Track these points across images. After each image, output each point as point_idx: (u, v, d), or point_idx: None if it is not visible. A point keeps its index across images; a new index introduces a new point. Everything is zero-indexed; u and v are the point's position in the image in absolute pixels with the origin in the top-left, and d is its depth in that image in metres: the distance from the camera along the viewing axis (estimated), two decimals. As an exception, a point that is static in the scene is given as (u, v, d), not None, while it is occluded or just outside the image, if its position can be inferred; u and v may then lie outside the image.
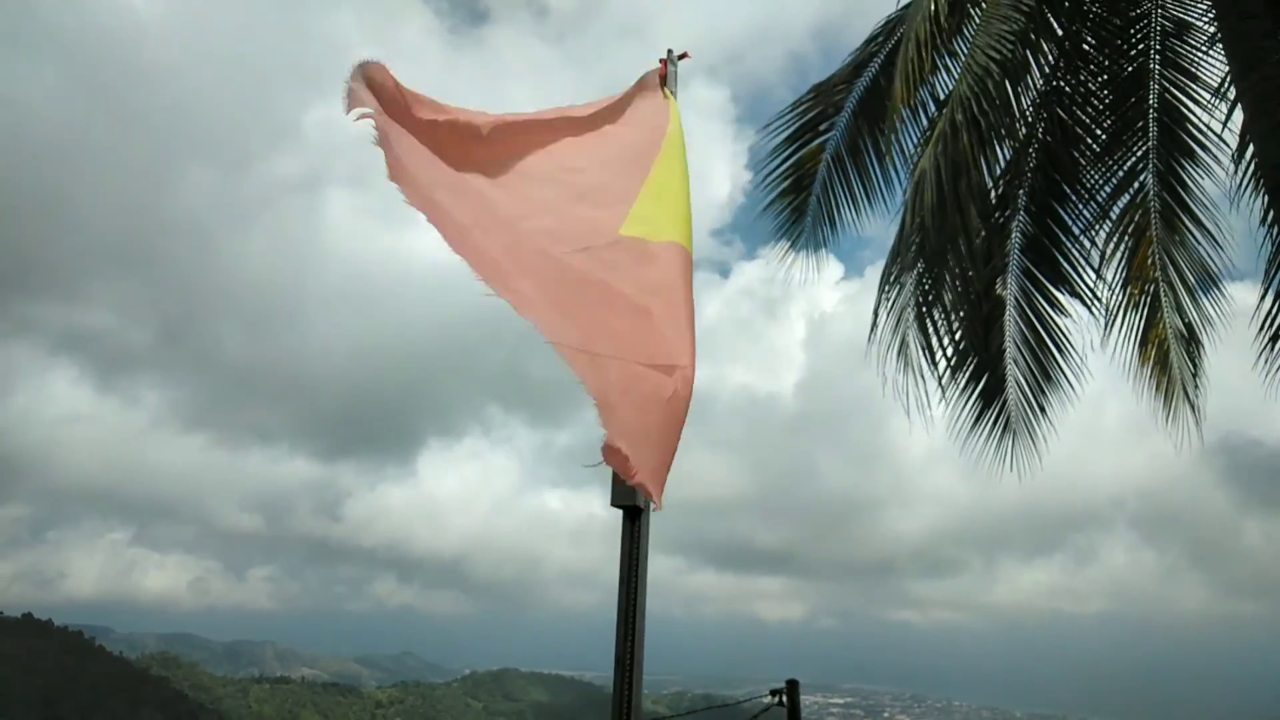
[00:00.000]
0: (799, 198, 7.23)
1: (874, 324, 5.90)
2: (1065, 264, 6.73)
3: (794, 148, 7.10)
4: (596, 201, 2.54)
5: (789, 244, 7.39)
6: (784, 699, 8.91)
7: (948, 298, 6.05)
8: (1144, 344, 6.79)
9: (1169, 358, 6.77)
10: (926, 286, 6.03)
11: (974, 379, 6.57)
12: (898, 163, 6.57)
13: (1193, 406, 6.65)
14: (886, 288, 5.87)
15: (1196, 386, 6.68)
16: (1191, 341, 6.70)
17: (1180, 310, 6.67)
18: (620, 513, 2.25)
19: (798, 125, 7.05)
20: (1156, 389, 6.78)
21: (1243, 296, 6.55)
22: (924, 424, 5.98)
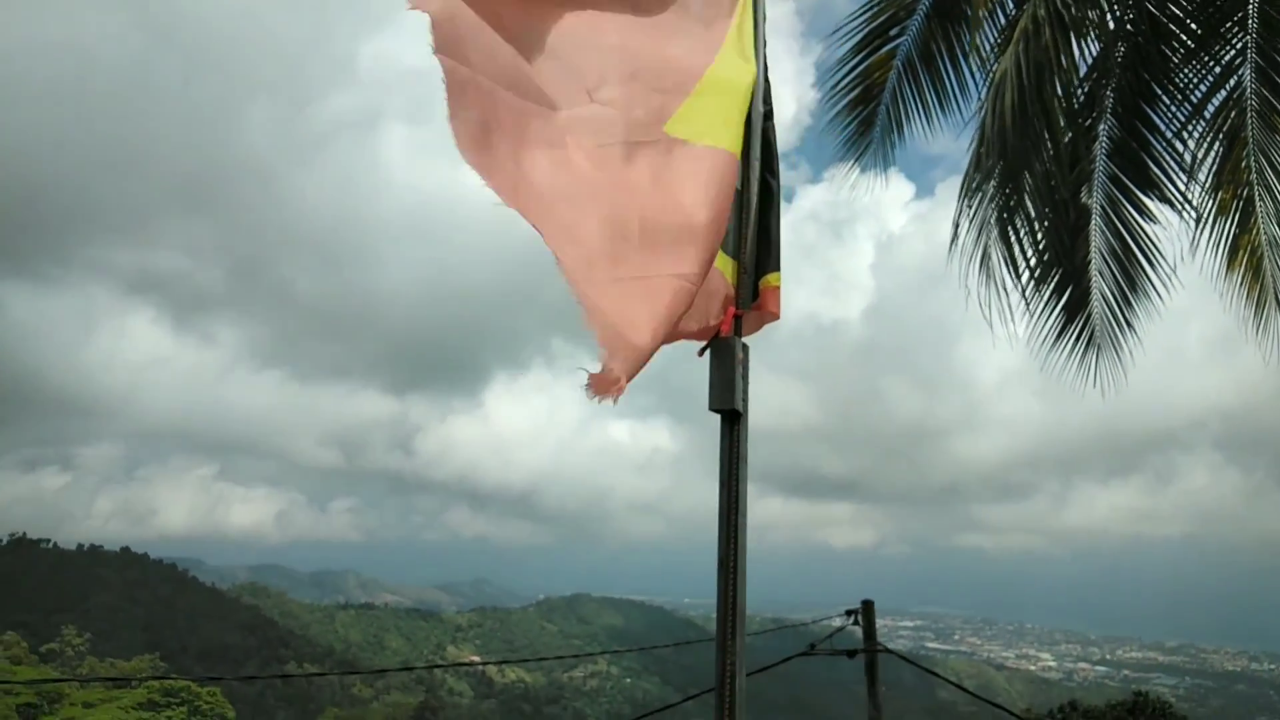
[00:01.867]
0: (867, 109, 6.94)
1: (954, 236, 5.67)
2: (1155, 169, 6.36)
3: (862, 56, 6.78)
4: (649, 85, 2.35)
5: (855, 163, 7.13)
6: (859, 619, 9.00)
7: (1030, 207, 5.78)
8: (1234, 252, 6.43)
9: (1261, 265, 6.40)
10: (1008, 195, 5.75)
11: (1057, 292, 6.32)
12: (975, 66, 6.23)
13: (1283, 315, 6.31)
14: (966, 198, 5.63)
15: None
16: (1286, 250, 6.32)
17: (1276, 216, 6.27)
18: (719, 416, 2.28)
19: (866, 31, 6.72)
20: (1247, 298, 6.44)
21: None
22: (1006, 340, 5.78)
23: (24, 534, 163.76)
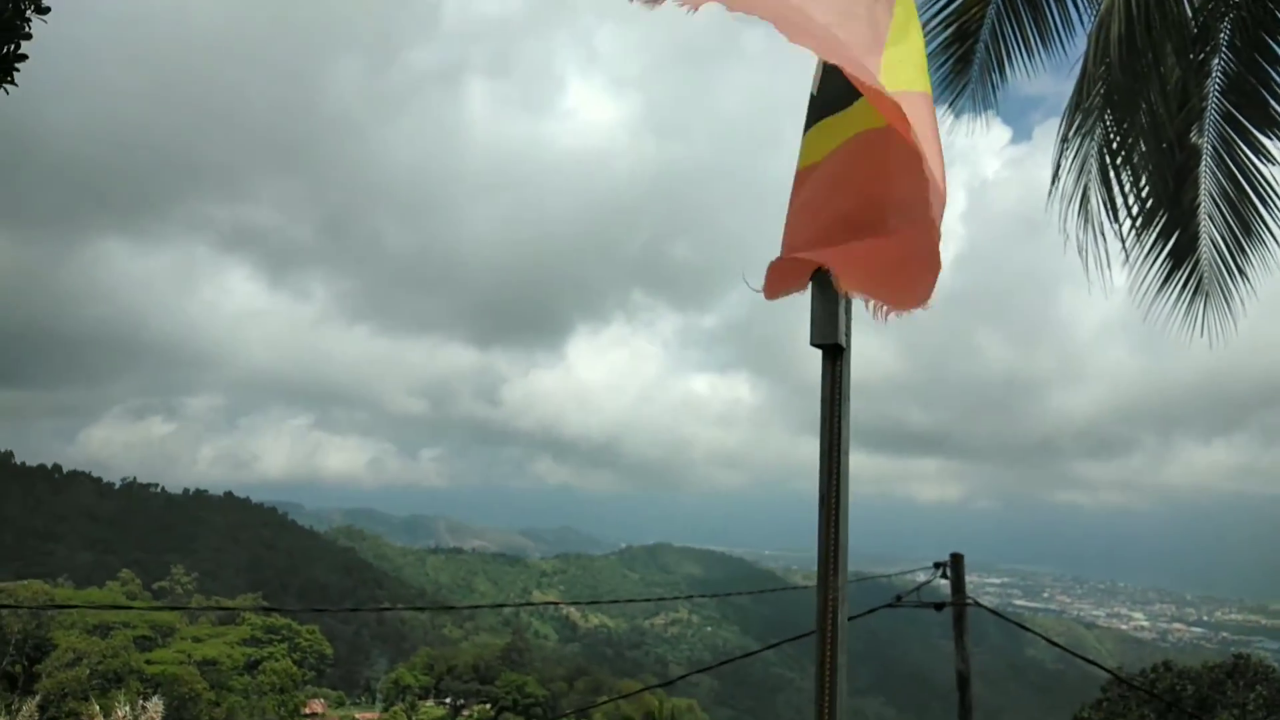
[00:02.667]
0: (963, 48, 6.65)
1: (1054, 178, 5.43)
2: (1275, 105, 5.95)
3: (957, -10, 6.49)
4: (853, 34, 2.18)
5: (950, 106, 6.87)
6: (947, 572, 8.92)
7: (1136, 148, 5.49)
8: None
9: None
10: (1111, 136, 5.47)
11: (1163, 236, 6.00)
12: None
13: None
14: (1067, 139, 5.38)
15: None
16: None
17: None
18: (820, 352, 2.23)
19: (963, -37, 6.42)
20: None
21: None
22: (1104, 288, 5.55)
23: (134, 479, 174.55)
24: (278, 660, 53.53)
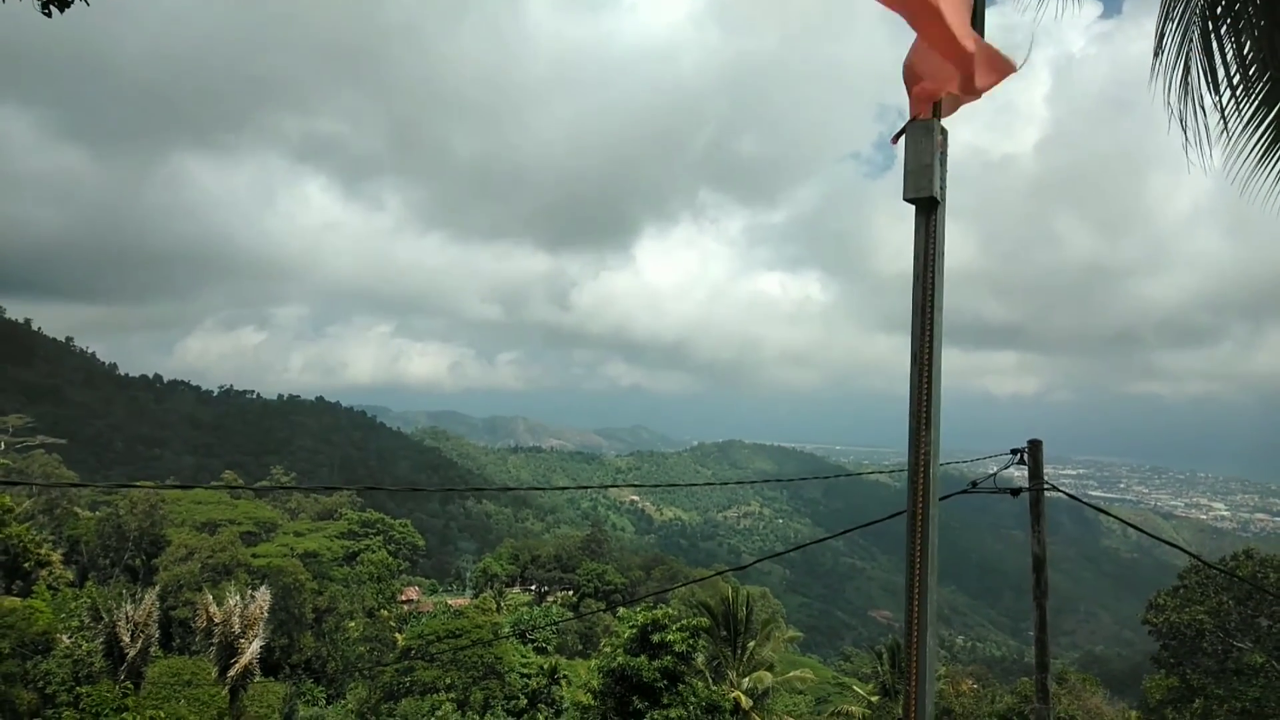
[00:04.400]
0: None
1: (1157, 49, 5.12)
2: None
3: None
4: None
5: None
6: (1024, 458, 8.93)
7: (1246, 7, 5.11)
8: None
9: None
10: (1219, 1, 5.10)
11: (1265, 105, 5.62)
12: None
13: None
14: (1170, 4, 5.04)
15: None
16: None
17: None
18: (913, 207, 2.24)
19: None
20: None
21: None
22: (1203, 167, 5.26)
23: (231, 386, 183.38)
24: (374, 552, 56.48)
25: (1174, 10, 5.01)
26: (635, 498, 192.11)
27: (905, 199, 2.16)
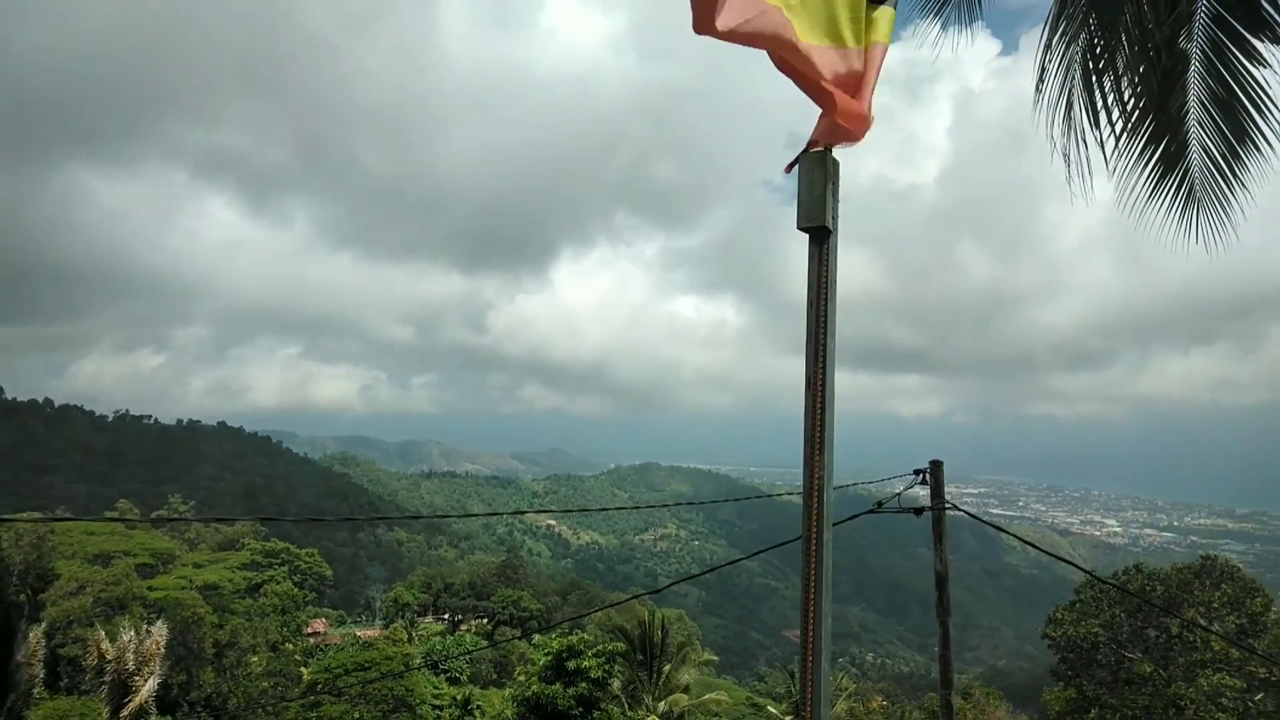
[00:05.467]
0: (948, -46, 6.49)
1: (1038, 85, 5.39)
2: (1266, 6, 5.86)
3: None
4: None
5: (936, 17, 6.71)
6: (927, 478, 9.18)
7: (1120, 53, 5.43)
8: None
9: (1382, 110, 5.95)
10: (1097, 40, 5.41)
11: (1152, 143, 5.98)
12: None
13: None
14: (1052, 44, 5.33)
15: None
16: None
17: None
18: (807, 236, 2.27)
19: None
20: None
21: None
22: (1084, 197, 5.55)
23: (127, 411, 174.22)
24: (279, 583, 54.44)
25: (1055, 48, 5.29)
26: (552, 522, 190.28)
27: (799, 228, 2.20)
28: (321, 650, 47.21)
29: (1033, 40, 5.69)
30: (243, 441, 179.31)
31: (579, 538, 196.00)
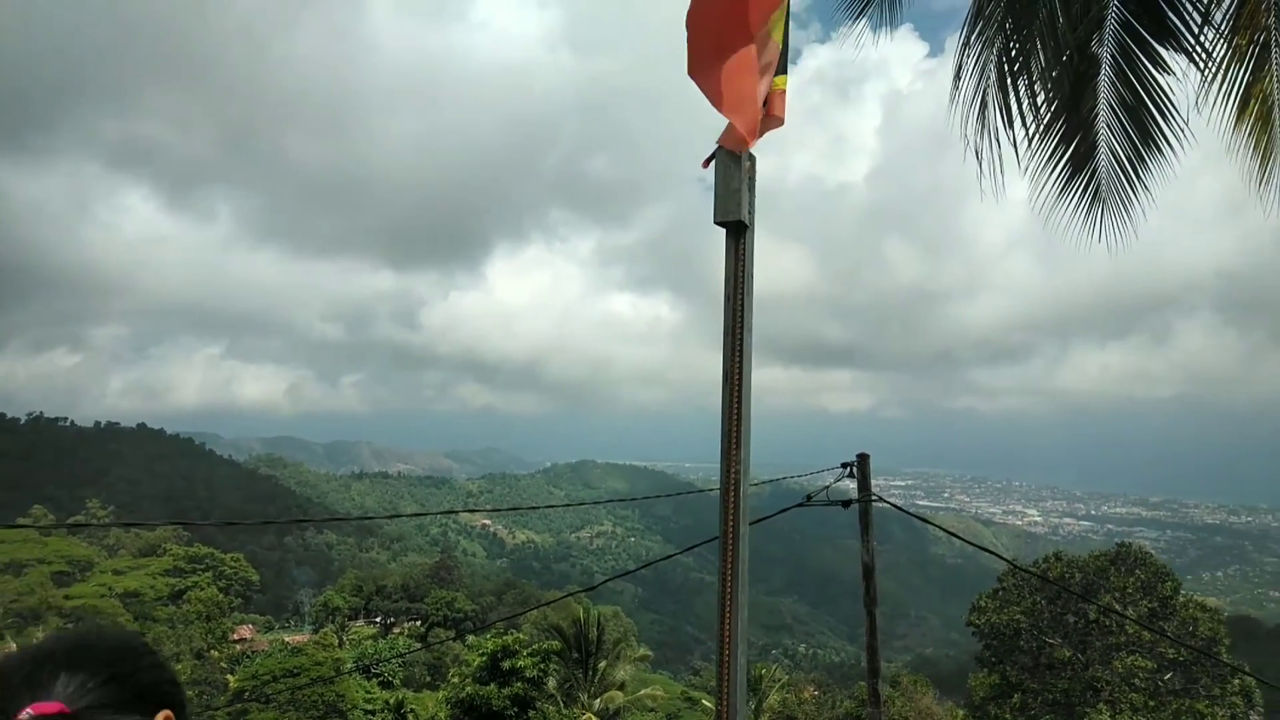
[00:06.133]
0: (870, -45, 6.60)
1: (955, 85, 5.52)
2: (1171, 15, 6.10)
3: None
4: None
5: (863, 17, 6.82)
6: (854, 471, 9.35)
7: (1035, 55, 5.60)
8: (1245, 102, 6.25)
9: (1271, 114, 6.25)
10: (1012, 43, 5.57)
11: (1063, 144, 6.18)
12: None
13: (1286, 168, 6.22)
14: (969, 44, 5.46)
15: (1294, 147, 6.22)
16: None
17: (1290, 61, 6.08)
18: (724, 230, 2.26)
19: None
20: (1254, 150, 6.32)
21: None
22: (997, 197, 5.72)
23: (41, 413, 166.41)
24: (203, 589, 52.88)
25: (973, 49, 5.42)
26: (487, 522, 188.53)
27: (715, 222, 2.20)
28: (248, 657, 45.88)
29: (956, 42, 5.82)
30: (164, 444, 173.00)
31: (515, 537, 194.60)
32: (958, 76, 5.52)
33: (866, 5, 6.59)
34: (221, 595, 53.17)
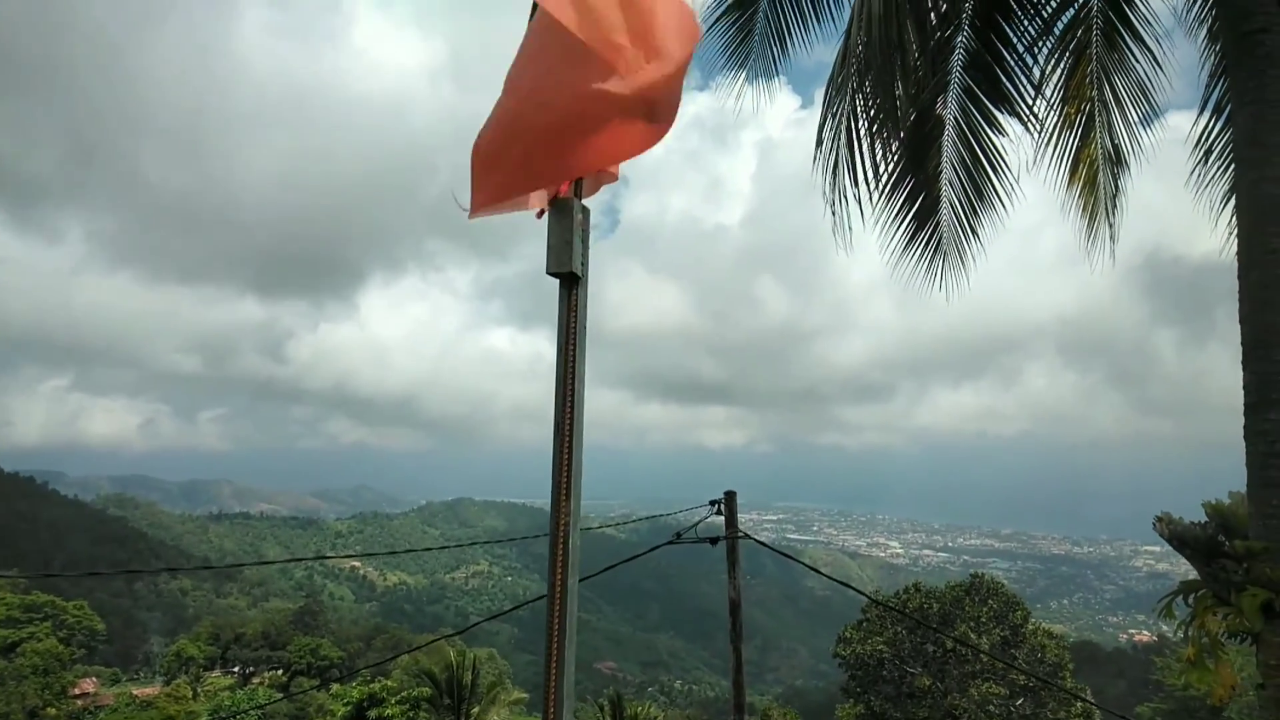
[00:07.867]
0: (744, 15, 6.93)
1: (818, 143, 5.83)
2: (1006, 82, 6.65)
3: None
4: None
5: (739, 69, 7.14)
6: (721, 509, 9.54)
7: (886, 116, 5.99)
8: (1075, 166, 6.88)
9: (1097, 178, 6.90)
10: (868, 104, 5.94)
11: (909, 200, 6.62)
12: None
13: (1111, 226, 6.87)
14: (830, 105, 5.79)
15: (1115, 207, 6.88)
16: (1118, 163, 6.82)
17: (1111, 131, 6.73)
18: (557, 281, 2.27)
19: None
20: (1083, 210, 6.95)
21: (1180, 125, 6.66)
22: (848, 247, 6.05)
23: None
24: (40, 640, 48.70)
25: (832, 109, 5.75)
26: (357, 564, 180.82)
27: (548, 273, 2.22)
28: (91, 713, 42.46)
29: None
30: (1, 482, 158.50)
31: (386, 579, 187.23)
32: (820, 134, 5.84)
33: (747, 58, 6.91)
34: (62, 647, 49.34)
